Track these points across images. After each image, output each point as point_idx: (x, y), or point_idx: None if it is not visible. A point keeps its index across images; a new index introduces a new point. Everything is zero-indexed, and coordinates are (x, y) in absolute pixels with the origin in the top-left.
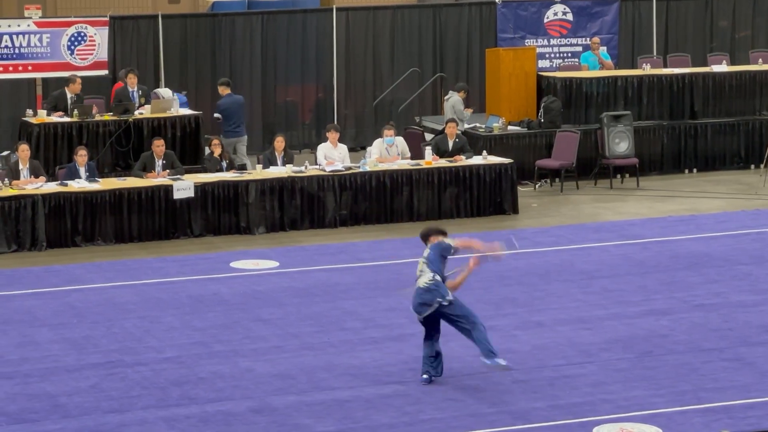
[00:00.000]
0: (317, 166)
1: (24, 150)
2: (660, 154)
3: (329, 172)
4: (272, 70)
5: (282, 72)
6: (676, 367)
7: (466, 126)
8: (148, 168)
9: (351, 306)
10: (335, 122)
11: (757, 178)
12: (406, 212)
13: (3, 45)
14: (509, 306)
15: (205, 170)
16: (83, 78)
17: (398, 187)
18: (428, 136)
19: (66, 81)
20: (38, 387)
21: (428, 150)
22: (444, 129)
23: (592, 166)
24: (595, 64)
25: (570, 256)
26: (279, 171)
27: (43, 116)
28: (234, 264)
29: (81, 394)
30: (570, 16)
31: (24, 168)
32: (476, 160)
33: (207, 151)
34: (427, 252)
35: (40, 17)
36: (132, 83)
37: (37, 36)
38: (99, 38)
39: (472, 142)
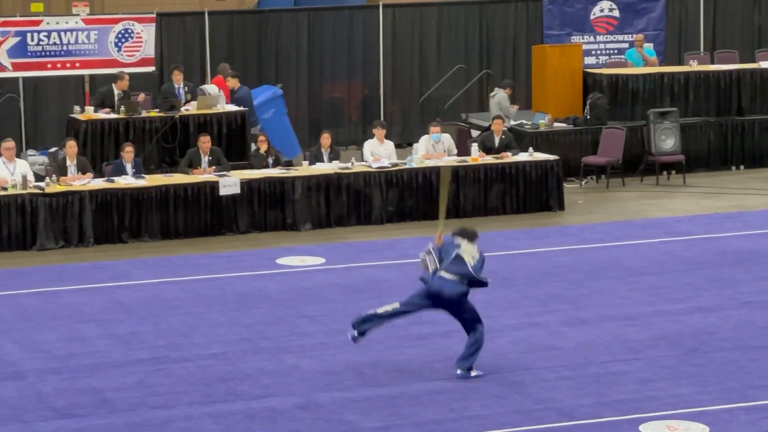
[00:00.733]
0: (363, 163)
1: (71, 146)
2: (707, 151)
3: (375, 168)
4: (318, 67)
5: (328, 69)
6: (722, 364)
7: (512, 123)
8: (194, 164)
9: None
10: (381, 119)
11: None
12: (452, 209)
13: (51, 42)
14: (555, 302)
15: (251, 166)
16: (130, 75)
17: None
18: (474, 133)
19: (113, 78)
20: (85, 382)
21: (474, 147)
22: (490, 126)
23: (638, 163)
24: (640, 61)
25: (616, 252)
26: (325, 167)
27: (90, 113)
28: (280, 260)
29: (127, 389)
30: (616, 13)
31: (71, 164)
32: (522, 156)
33: (253, 147)
34: (476, 253)
35: (87, 14)
36: (177, 80)
37: (85, 33)
38: (146, 35)
39: (518, 139)
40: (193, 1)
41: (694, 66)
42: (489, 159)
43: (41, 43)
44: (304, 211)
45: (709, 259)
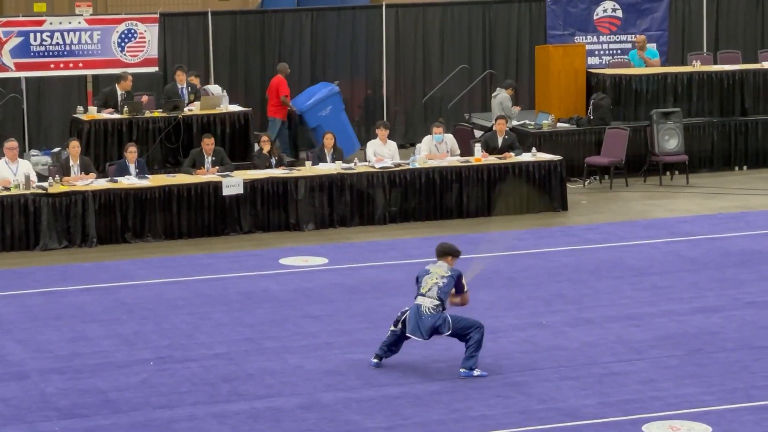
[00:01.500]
0: (367, 163)
1: (74, 146)
2: (710, 151)
3: (379, 168)
4: (321, 67)
5: (331, 69)
6: (726, 364)
7: (516, 123)
8: (197, 164)
9: (400, 303)
10: (385, 119)
11: None
12: (456, 209)
13: (54, 42)
14: (559, 303)
15: (254, 167)
16: (133, 75)
17: (448, 183)
18: (477, 133)
19: (117, 78)
20: (89, 382)
21: (478, 147)
22: (493, 126)
23: (641, 163)
24: (641, 64)
25: (620, 253)
26: (328, 168)
27: (93, 113)
28: (283, 260)
29: (131, 389)
30: (620, 13)
31: (74, 164)
32: (525, 157)
33: (256, 147)
34: (444, 272)
35: (90, 14)
36: (181, 80)
37: (88, 33)
38: (149, 35)
39: (521, 139)
40: (196, 1)
41: (697, 66)
42: (492, 159)
43: (44, 43)
44: (307, 212)
45: (712, 259)
